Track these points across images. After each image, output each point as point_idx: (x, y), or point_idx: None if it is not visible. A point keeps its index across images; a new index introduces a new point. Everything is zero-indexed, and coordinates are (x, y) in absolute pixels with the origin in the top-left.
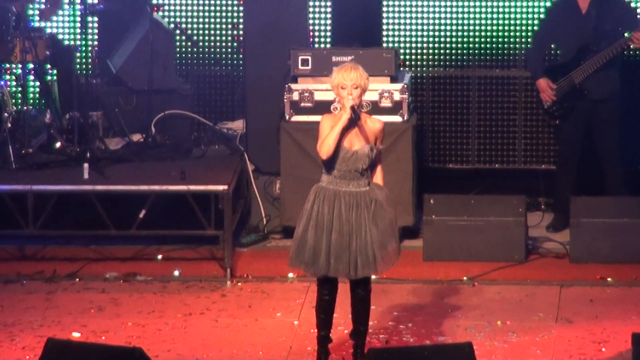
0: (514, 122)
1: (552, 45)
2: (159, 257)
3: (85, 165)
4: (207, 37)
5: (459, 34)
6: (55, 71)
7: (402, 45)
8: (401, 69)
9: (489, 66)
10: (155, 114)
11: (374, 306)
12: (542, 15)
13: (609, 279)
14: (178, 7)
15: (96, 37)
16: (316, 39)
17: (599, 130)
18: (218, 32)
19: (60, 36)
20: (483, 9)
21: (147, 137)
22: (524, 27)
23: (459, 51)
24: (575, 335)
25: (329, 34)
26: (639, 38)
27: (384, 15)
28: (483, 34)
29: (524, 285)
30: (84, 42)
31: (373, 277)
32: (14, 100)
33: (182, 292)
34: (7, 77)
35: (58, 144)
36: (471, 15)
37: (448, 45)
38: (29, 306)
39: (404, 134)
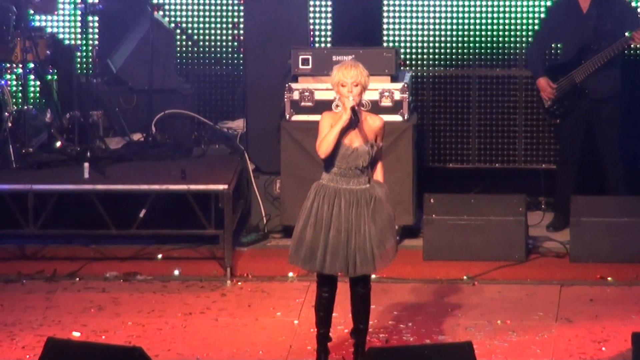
0: (515, 122)
1: (553, 45)
2: (159, 256)
3: (86, 164)
4: (207, 37)
5: (460, 33)
6: (55, 71)
7: (402, 44)
8: (401, 68)
9: (489, 65)
10: (155, 114)
11: (374, 305)
12: (542, 15)
13: (609, 279)
14: (178, 7)
15: (97, 36)
16: (316, 39)
17: (600, 130)
18: (218, 31)
19: (61, 36)
20: (483, 9)
21: (148, 136)
22: (524, 27)
23: (459, 50)
24: (575, 335)
25: (329, 33)
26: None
27: (385, 14)
28: (483, 33)
29: (524, 284)
30: (84, 42)
31: (373, 276)
32: (14, 100)
33: (182, 291)
34: (8, 76)
35: (58, 144)
36: (471, 15)
37: (448, 45)
38: (29, 305)
39: (405, 134)
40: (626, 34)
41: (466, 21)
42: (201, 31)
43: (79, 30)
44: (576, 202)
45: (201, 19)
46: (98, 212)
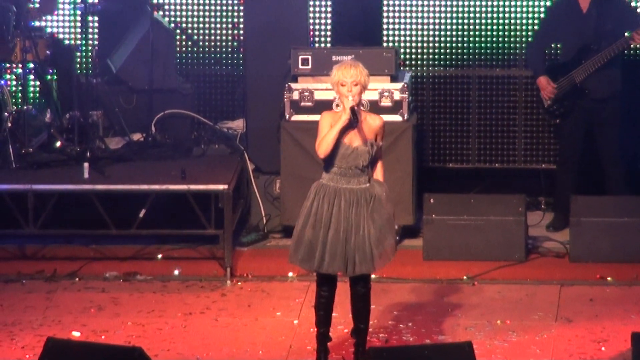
0: (514, 122)
1: (553, 45)
2: (159, 256)
3: (86, 164)
4: (207, 37)
5: (459, 33)
6: (55, 71)
7: (402, 44)
8: (401, 68)
9: (489, 65)
10: (155, 114)
11: (374, 305)
12: (542, 15)
13: (608, 279)
14: (178, 7)
15: (96, 36)
16: (316, 38)
17: (600, 130)
18: (218, 31)
19: (61, 36)
20: (483, 9)
21: (148, 136)
22: (524, 27)
23: (459, 50)
24: (575, 335)
25: (329, 33)
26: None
27: (384, 14)
28: (483, 33)
29: (524, 284)
30: (84, 42)
31: (373, 276)
32: (14, 100)
33: (182, 291)
34: (8, 76)
35: (58, 144)
36: (471, 15)
37: (448, 45)
38: (29, 305)
39: (404, 134)
40: (626, 34)
41: (466, 21)
42: (201, 31)
43: (78, 30)
44: (576, 202)
45: (201, 19)
46: (98, 212)
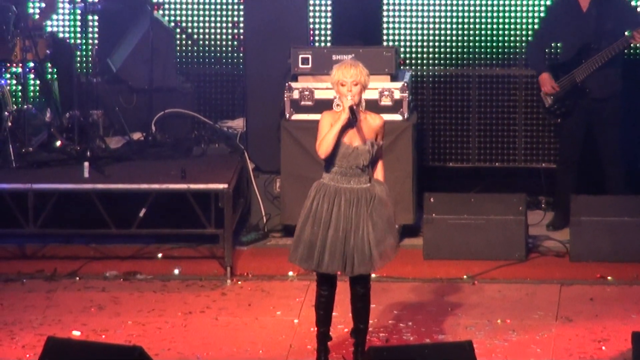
0: (515, 121)
1: (553, 44)
2: (159, 255)
3: (86, 163)
4: (207, 36)
5: (460, 32)
6: (55, 70)
7: (402, 43)
8: (401, 67)
9: (489, 65)
10: (155, 113)
11: (374, 305)
12: (542, 14)
13: (609, 278)
14: (178, 6)
15: (96, 35)
16: (316, 38)
17: (600, 129)
18: (218, 30)
19: (61, 35)
20: (483, 8)
21: (148, 135)
22: (524, 26)
23: (459, 50)
24: (575, 334)
25: (329, 32)
26: None
27: (384, 13)
28: (483, 32)
29: (524, 283)
30: (84, 41)
31: (373, 275)
32: (14, 99)
33: (182, 290)
34: (8, 75)
35: (58, 143)
36: (471, 14)
37: (448, 44)
38: (29, 305)
39: (404, 133)
40: (626, 33)
41: (466, 20)
42: (201, 30)
43: (78, 29)
44: (576, 202)
45: (201, 18)
46: (98, 212)
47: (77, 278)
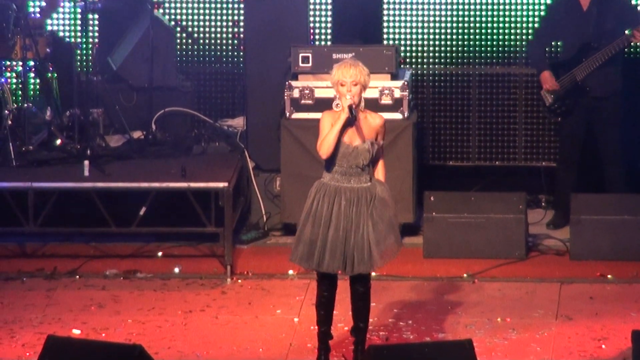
0: (515, 119)
1: (553, 43)
2: (159, 254)
3: (86, 162)
4: (207, 35)
5: (460, 31)
6: (55, 68)
7: (402, 42)
8: (402, 66)
9: (489, 63)
10: (155, 111)
11: (374, 303)
12: (542, 13)
13: (609, 276)
14: (178, 5)
15: (97, 34)
16: (316, 36)
17: (600, 128)
18: (218, 29)
19: (61, 33)
20: (483, 6)
21: (148, 134)
22: (524, 25)
23: (459, 48)
24: (575, 332)
25: (329, 31)
26: None
27: (385, 12)
28: (483, 31)
29: (524, 282)
30: (84, 40)
31: (373, 274)
32: (14, 98)
33: (182, 289)
34: (8, 74)
35: (58, 141)
36: (471, 13)
37: (448, 43)
38: (29, 303)
39: (405, 132)
40: (626, 31)
41: (466, 19)
42: (201, 29)
43: (79, 28)
44: (576, 200)
45: (201, 17)
46: (98, 210)
47: (77, 276)
